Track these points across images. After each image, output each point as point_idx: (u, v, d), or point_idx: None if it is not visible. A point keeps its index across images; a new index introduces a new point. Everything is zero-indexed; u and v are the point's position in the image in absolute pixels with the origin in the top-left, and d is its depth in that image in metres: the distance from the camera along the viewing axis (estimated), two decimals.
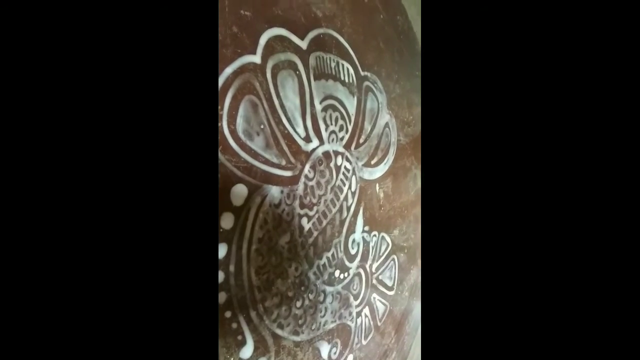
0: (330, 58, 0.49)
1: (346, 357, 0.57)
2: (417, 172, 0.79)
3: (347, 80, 0.52)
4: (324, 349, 0.51)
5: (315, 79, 0.46)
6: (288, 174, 0.42)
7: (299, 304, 0.45)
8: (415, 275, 0.81)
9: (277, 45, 0.40)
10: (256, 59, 0.37)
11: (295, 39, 0.43)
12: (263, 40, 0.38)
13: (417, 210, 0.80)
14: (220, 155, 0.34)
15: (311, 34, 0.45)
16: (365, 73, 0.57)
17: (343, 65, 0.51)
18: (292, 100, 0.42)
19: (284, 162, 0.42)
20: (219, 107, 0.34)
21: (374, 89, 0.59)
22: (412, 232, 0.77)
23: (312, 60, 0.45)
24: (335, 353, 0.54)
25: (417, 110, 0.75)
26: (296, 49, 0.43)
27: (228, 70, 0.35)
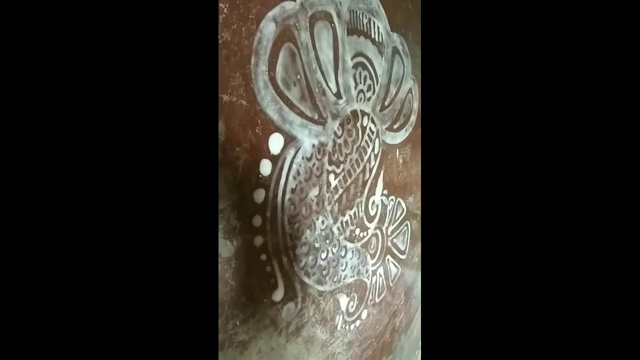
0: (363, 14, 0.48)
1: (361, 311, 0.60)
2: None
3: (377, 39, 0.51)
4: (343, 301, 0.54)
5: (348, 34, 0.45)
6: (319, 128, 0.43)
7: (324, 255, 0.47)
8: None
9: None
10: (296, 5, 0.37)
11: None
12: None
13: None
14: (260, 101, 0.35)
15: None
16: (394, 33, 0.56)
17: (374, 22, 0.50)
18: (326, 54, 0.42)
19: (316, 116, 0.42)
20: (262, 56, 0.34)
21: (400, 51, 0.58)
22: None
23: (346, 14, 0.44)
24: (352, 307, 0.57)
25: None
26: (332, 1, 0.42)
27: (269, 15, 0.34)
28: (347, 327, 0.57)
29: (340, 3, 0.43)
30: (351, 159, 0.50)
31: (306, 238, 0.43)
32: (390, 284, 0.68)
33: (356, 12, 0.46)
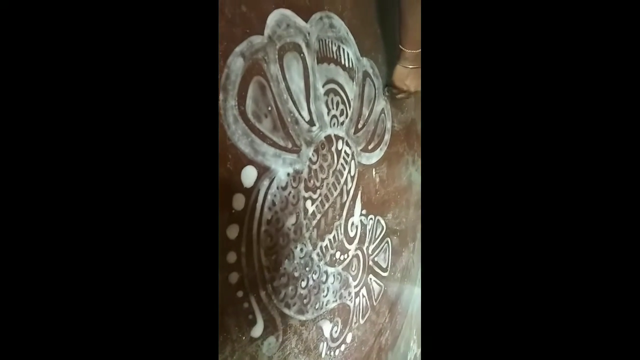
0: (332, 41, 0.49)
1: (346, 335, 0.59)
2: (409, 158, 0.81)
3: (347, 64, 0.52)
4: (326, 327, 0.53)
5: (318, 62, 0.46)
6: (294, 156, 0.43)
7: (304, 284, 0.46)
8: (406, 258, 0.84)
9: (283, 26, 0.40)
10: (264, 39, 0.37)
11: (299, 21, 0.42)
12: (270, 20, 0.38)
13: (409, 196, 0.82)
14: (230, 136, 0.34)
15: (315, 17, 0.45)
16: (364, 58, 0.57)
17: (344, 49, 0.51)
18: (297, 83, 0.42)
19: (290, 145, 0.42)
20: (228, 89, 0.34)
21: (371, 74, 0.60)
22: (404, 217, 0.80)
23: (315, 43, 0.45)
24: (336, 331, 0.56)
25: (410, 98, 0.76)
26: (301, 31, 0.43)
27: (237, 50, 0.34)
28: (332, 353, 0.56)
29: (308, 33, 0.44)
30: (328, 183, 0.50)
31: (285, 269, 0.42)
32: (374, 303, 0.68)
33: (325, 40, 0.47)
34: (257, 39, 0.36)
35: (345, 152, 0.54)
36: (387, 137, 0.68)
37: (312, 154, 0.46)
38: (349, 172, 0.55)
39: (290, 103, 0.41)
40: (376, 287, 0.68)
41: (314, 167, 0.47)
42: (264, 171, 0.38)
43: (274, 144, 0.39)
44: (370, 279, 0.66)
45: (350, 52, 0.53)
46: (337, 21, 0.50)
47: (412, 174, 0.83)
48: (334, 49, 0.49)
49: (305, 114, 0.44)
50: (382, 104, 0.64)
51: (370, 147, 0.62)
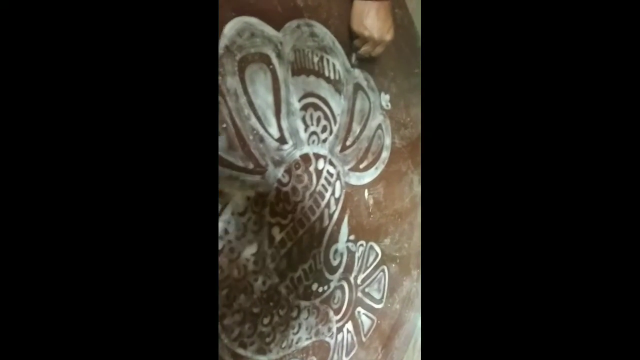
0: (312, 52, 0.44)
1: None
2: (414, 177, 0.74)
3: (332, 76, 0.48)
4: None
5: (293, 74, 0.42)
6: (257, 178, 0.38)
7: (266, 320, 0.41)
8: (408, 286, 0.76)
9: (246, 35, 0.36)
10: (219, 49, 0.33)
11: (269, 29, 0.39)
12: (228, 30, 0.34)
13: (413, 218, 0.75)
14: None
15: (289, 25, 0.41)
16: (356, 69, 0.52)
17: (328, 60, 0.47)
18: (263, 98, 0.38)
19: (251, 166, 0.38)
20: None
21: (364, 87, 0.55)
22: (405, 241, 0.72)
23: (289, 54, 0.41)
24: None
25: (416, 111, 0.70)
26: (270, 41, 0.39)
27: None
28: None
29: (281, 43, 0.40)
30: (303, 207, 0.45)
31: (240, 304, 0.38)
32: (363, 339, 0.61)
33: (303, 50, 0.43)
34: None
35: (327, 171, 0.49)
36: (385, 154, 0.62)
37: (283, 175, 0.42)
38: (333, 193, 0.50)
39: (254, 119, 0.37)
40: (366, 321, 0.61)
41: (284, 189, 0.42)
42: None
43: (229, 165, 0.35)
44: (359, 312, 0.59)
45: (337, 63, 0.48)
46: (321, 29, 0.45)
47: (418, 195, 0.76)
48: (315, 59, 0.45)
49: (273, 130, 0.40)
50: (378, 118, 0.59)
51: (361, 166, 0.56)
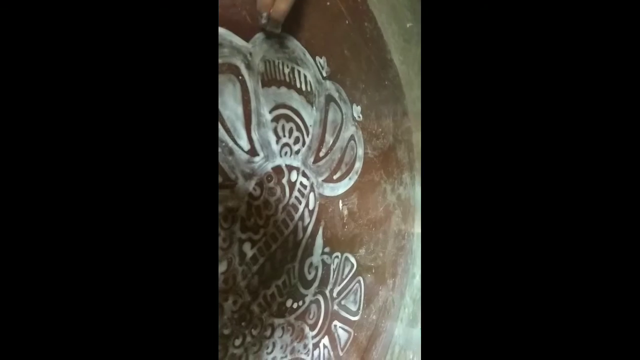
0: (283, 63, 0.44)
1: None
2: (387, 187, 0.75)
3: (304, 88, 0.47)
4: None
5: (264, 85, 0.41)
6: (225, 192, 0.37)
7: (237, 342, 0.39)
8: (384, 296, 0.76)
9: None
10: None
11: (238, 40, 0.38)
12: None
13: (387, 227, 0.75)
14: None
15: (260, 36, 0.40)
16: (327, 81, 0.52)
17: (299, 71, 0.47)
18: (232, 109, 0.37)
19: (220, 179, 0.36)
20: None
21: (336, 98, 0.55)
22: (380, 251, 0.73)
23: (259, 65, 0.40)
24: None
25: (387, 122, 0.71)
26: (239, 51, 0.38)
27: None
28: None
29: (250, 54, 0.39)
30: (276, 221, 0.44)
31: None
32: (340, 353, 0.60)
33: (274, 61, 0.43)
34: None
35: (301, 183, 0.48)
36: (358, 165, 0.62)
37: (254, 188, 0.40)
38: (307, 205, 0.49)
39: (222, 131, 0.36)
40: (343, 335, 0.60)
41: (255, 203, 0.41)
42: None
43: None
44: (335, 325, 0.58)
45: (308, 74, 0.48)
46: (292, 42, 0.45)
47: (391, 204, 0.77)
48: (286, 71, 0.44)
49: (243, 143, 0.39)
50: (351, 129, 0.59)
51: (335, 177, 0.56)
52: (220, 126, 0.36)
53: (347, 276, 0.61)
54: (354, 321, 0.64)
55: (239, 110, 0.38)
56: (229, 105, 0.37)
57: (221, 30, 0.36)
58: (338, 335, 0.59)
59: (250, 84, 0.39)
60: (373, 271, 0.70)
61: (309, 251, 0.51)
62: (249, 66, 0.39)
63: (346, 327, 0.61)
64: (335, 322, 0.58)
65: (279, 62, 0.43)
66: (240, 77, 0.38)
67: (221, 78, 0.36)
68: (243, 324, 0.40)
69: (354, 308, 0.64)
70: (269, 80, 0.42)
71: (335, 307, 0.58)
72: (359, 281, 0.65)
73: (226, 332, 0.38)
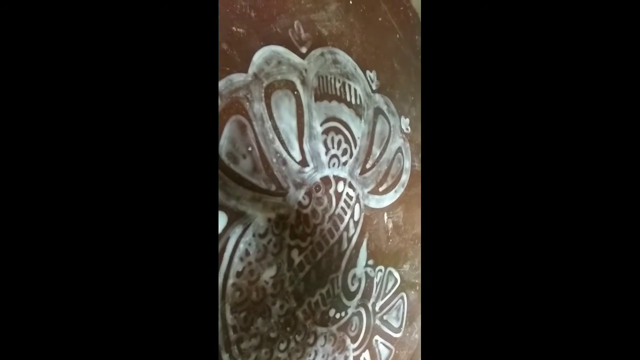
0: (334, 78, 0.46)
1: None
2: None
3: (353, 101, 0.49)
4: None
5: (316, 99, 0.43)
6: (278, 200, 0.39)
7: (282, 346, 0.40)
8: None
9: (273, 63, 0.38)
10: (247, 77, 0.35)
11: (294, 57, 0.40)
12: (257, 58, 0.36)
13: None
14: None
15: (314, 53, 0.43)
16: (376, 94, 0.53)
17: (350, 85, 0.48)
18: (287, 122, 0.39)
19: (274, 188, 0.38)
20: None
21: (384, 111, 0.55)
22: None
23: (313, 80, 0.42)
24: None
25: None
26: (295, 68, 0.40)
27: None
28: None
29: (305, 70, 0.41)
30: (322, 230, 0.45)
31: (257, 328, 0.37)
32: None
33: (326, 77, 0.44)
34: (238, 77, 0.34)
35: (347, 194, 0.49)
36: (404, 177, 0.61)
37: (304, 197, 0.42)
38: (352, 216, 0.50)
39: (277, 143, 0.38)
40: (384, 351, 0.59)
41: (304, 211, 0.42)
42: (236, 217, 0.35)
43: (252, 187, 0.36)
44: (376, 340, 0.57)
45: (358, 88, 0.49)
46: (343, 57, 0.47)
47: None
48: (338, 85, 0.46)
49: (295, 153, 0.41)
50: (398, 142, 0.59)
51: (381, 189, 0.56)
52: (275, 138, 0.38)
53: (390, 291, 0.60)
54: (396, 338, 0.62)
55: (293, 123, 0.40)
56: (285, 119, 0.39)
57: (279, 49, 0.39)
58: (379, 351, 0.58)
59: (304, 98, 0.41)
60: (417, 288, 0.68)
61: (352, 262, 0.51)
62: (304, 82, 0.41)
63: (387, 344, 0.60)
64: (377, 337, 0.57)
65: (331, 77, 0.45)
66: (295, 92, 0.40)
67: (278, 93, 0.38)
68: (288, 329, 0.41)
69: (396, 325, 0.62)
70: (322, 94, 0.44)
71: (377, 322, 0.57)
72: (402, 297, 0.63)
73: (273, 335, 0.39)
